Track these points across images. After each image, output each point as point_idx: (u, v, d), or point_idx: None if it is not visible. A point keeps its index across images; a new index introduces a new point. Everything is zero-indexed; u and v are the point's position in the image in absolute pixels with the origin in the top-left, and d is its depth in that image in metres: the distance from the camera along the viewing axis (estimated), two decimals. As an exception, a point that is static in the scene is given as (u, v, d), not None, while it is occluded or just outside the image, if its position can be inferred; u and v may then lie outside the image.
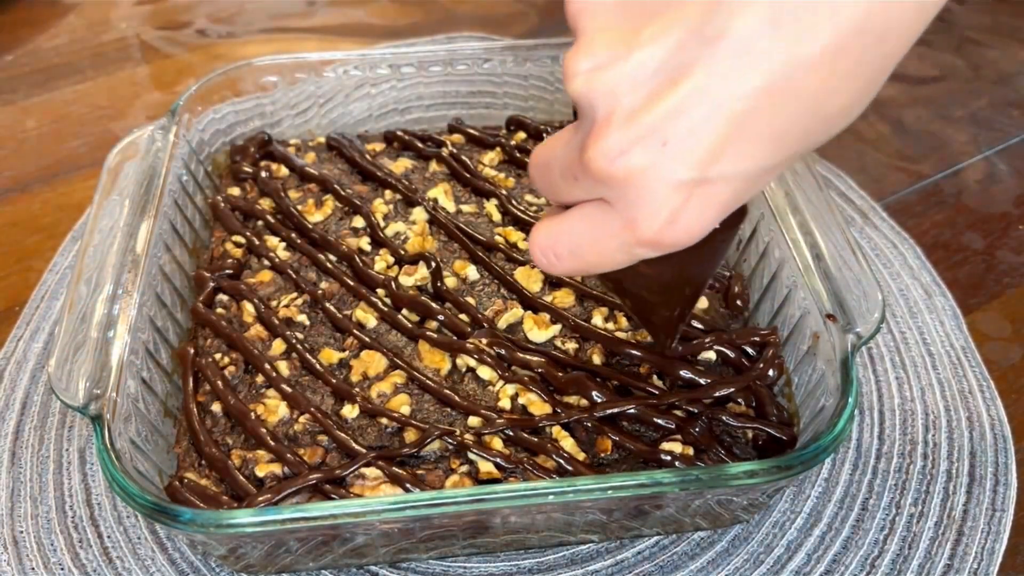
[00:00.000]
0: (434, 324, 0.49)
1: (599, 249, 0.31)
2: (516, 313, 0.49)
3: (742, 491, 0.40)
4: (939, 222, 0.65)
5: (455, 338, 0.48)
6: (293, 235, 0.54)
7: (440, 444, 0.43)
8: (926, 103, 0.78)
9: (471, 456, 0.42)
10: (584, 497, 0.37)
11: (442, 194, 0.57)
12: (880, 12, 0.26)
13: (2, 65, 0.81)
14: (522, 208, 0.56)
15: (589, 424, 0.43)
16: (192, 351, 0.47)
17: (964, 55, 0.84)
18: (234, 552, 0.40)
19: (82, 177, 0.68)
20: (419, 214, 0.56)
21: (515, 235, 0.54)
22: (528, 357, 0.46)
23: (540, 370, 0.46)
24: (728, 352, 0.47)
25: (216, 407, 0.45)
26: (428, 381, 0.46)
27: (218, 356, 0.48)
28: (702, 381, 0.45)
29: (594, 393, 0.44)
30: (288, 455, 0.42)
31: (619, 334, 0.48)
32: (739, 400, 0.45)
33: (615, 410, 0.44)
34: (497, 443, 0.43)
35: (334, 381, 0.46)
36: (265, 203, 0.57)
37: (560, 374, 0.45)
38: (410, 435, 0.43)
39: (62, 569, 0.44)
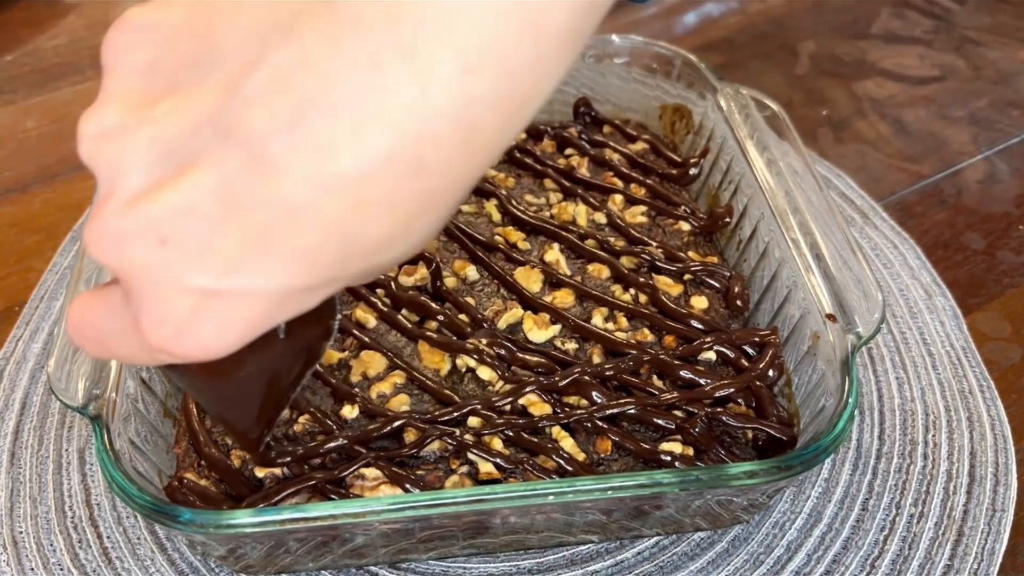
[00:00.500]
0: (434, 324, 0.49)
1: (121, 343, 0.26)
2: (516, 313, 0.49)
3: (742, 491, 0.40)
4: (939, 222, 0.65)
5: (455, 338, 0.48)
6: (293, 235, 0.54)
7: (440, 444, 0.43)
8: (926, 103, 0.78)
9: (471, 456, 0.42)
10: (584, 497, 0.36)
11: (442, 194, 0.57)
12: (414, 145, 0.22)
13: (2, 65, 0.81)
14: (522, 208, 0.56)
15: (589, 424, 0.43)
16: (192, 351, 0.47)
17: (964, 55, 0.84)
18: (233, 552, 0.40)
19: (82, 177, 0.68)
20: (419, 214, 0.56)
21: (515, 235, 0.54)
22: (528, 357, 0.46)
23: (540, 370, 0.46)
24: (728, 352, 0.47)
25: (216, 407, 0.45)
26: (428, 381, 0.46)
27: (218, 356, 0.48)
28: (702, 381, 0.45)
29: (594, 393, 0.44)
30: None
31: (619, 334, 0.48)
32: (739, 400, 0.45)
33: (615, 410, 0.44)
34: (497, 443, 0.43)
35: (333, 381, 0.46)
36: (265, 203, 0.57)
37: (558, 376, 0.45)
38: (410, 435, 0.43)
39: (61, 569, 0.44)
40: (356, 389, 0.46)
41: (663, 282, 0.51)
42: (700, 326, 0.48)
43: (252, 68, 0.22)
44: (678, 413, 0.44)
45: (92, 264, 0.45)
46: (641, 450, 0.42)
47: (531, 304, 0.50)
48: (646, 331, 0.49)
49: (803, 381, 0.45)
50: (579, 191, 0.57)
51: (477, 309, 0.50)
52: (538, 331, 0.48)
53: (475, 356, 0.46)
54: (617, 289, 0.51)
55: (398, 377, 0.46)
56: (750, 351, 0.47)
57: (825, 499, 0.47)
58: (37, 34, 0.86)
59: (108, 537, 0.45)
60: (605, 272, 0.52)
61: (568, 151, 0.62)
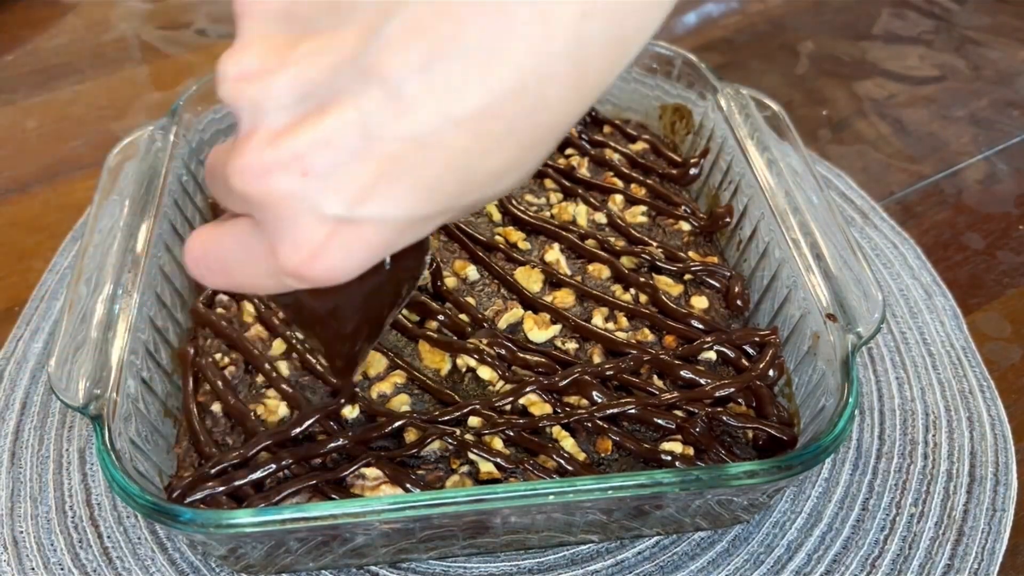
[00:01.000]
0: (434, 324, 0.49)
1: (248, 271, 0.29)
2: (516, 313, 0.49)
3: (742, 491, 0.40)
4: (939, 222, 0.65)
5: (455, 338, 0.48)
6: (293, 235, 0.54)
7: (440, 444, 0.43)
8: (926, 103, 0.78)
9: (471, 456, 0.42)
10: (584, 497, 0.37)
11: (442, 194, 0.57)
12: (535, 83, 0.24)
13: (2, 65, 0.81)
14: (522, 208, 0.56)
15: (589, 424, 0.43)
16: (192, 351, 0.47)
17: (964, 55, 0.84)
18: (234, 552, 0.40)
19: (82, 177, 0.68)
20: (419, 214, 0.56)
21: (515, 235, 0.54)
22: (528, 357, 0.46)
23: (540, 370, 0.46)
24: (728, 352, 0.47)
25: (216, 407, 0.45)
26: (428, 381, 0.46)
27: (218, 356, 0.48)
28: (702, 381, 0.45)
29: (594, 393, 0.44)
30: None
31: (619, 334, 0.48)
32: (739, 400, 0.45)
33: (615, 410, 0.44)
34: (497, 443, 0.43)
35: (334, 381, 0.46)
36: (265, 203, 0.57)
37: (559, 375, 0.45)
38: (411, 435, 0.43)
39: (62, 569, 0.44)
40: (356, 389, 0.46)
41: (663, 282, 0.51)
42: (700, 326, 0.48)
43: (389, 14, 0.24)
44: (678, 413, 0.44)
45: (92, 264, 0.45)
46: (641, 450, 0.42)
47: (531, 304, 0.50)
48: (646, 331, 0.49)
49: (803, 381, 0.45)
50: (579, 191, 0.57)
51: (477, 309, 0.50)
52: (538, 331, 0.48)
53: (475, 356, 0.46)
54: (617, 289, 0.51)
55: (398, 377, 0.46)
56: (750, 351, 0.48)
57: (825, 499, 0.47)
58: (37, 34, 0.86)
59: (109, 537, 0.45)
60: (605, 272, 0.52)
61: (568, 151, 0.62)
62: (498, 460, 0.42)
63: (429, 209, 0.27)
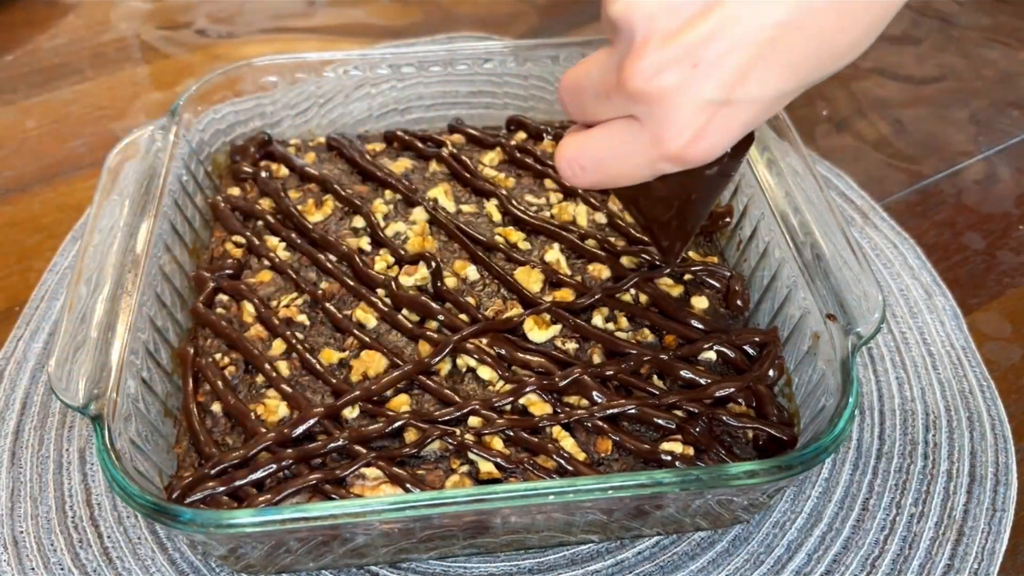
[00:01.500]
0: (434, 324, 0.49)
1: (623, 163, 0.34)
2: (516, 313, 0.49)
3: (742, 491, 0.40)
4: (939, 222, 0.65)
5: (455, 338, 0.48)
6: (293, 235, 0.54)
7: (440, 444, 0.43)
8: (926, 103, 0.78)
9: (471, 456, 0.42)
10: (584, 497, 0.37)
11: (442, 194, 0.57)
12: None
13: (2, 65, 0.81)
14: (522, 208, 0.56)
15: (589, 424, 0.43)
16: (192, 351, 0.47)
17: (964, 55, 0.84)
18: (234, 552, 0.40)
19: (82, 177, 0.68)
20: (419, 214, 0.56)
21: (515, 235, 0.54)
22: (528, 357, 0.46)
23: (540, 370, 0.46)
24: (728, 352, 0.47)
25: (216, 407, 0.45)
26: (428, 381, 0.46)
27: (218, 356, 0.48)
28: (702, 381, 0.45)
29: (594, 393, 0.44)
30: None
31: (619, 334, 0.48)
32: (739, 400, 0.45)
33: (615, 410, 0.44)
34: (497, 443, 0.43)
35: (334, 381, 0.46)
36: (265, 203, 0.57)
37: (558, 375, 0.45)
38: (410, 435, 0.43)
39: (62, 569, 0.44)
40: (357, 389, 0.46)
41: (663, 282, 0.51)
42: (700, 326, 0.48)
43: None
44: (678, 413, 0.44)
45: (92, 264, 0.45)
46: (641, 450, 0.42)
47: (531, 304, 0.50)
48: (646, 331, 0.49)
49: (803, 381, 0.45)
50: (579, 191, 0.57)
51: (477, 309, 0.50)
52: (538, 331, 0.48)
53: (475, 356, 0.46)
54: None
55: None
56: (750, 351, 0.48)
57: (825, 499, 0.47)
58: (37, 34, 0.86)
59: (109, 537, 0.45)
60: (605, 272, 0.52)
61: (568, 151, 0.61)
62: (498, 460, 0.42)
63: (793, 85, 0.31)
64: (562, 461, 0.42)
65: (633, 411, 0.44)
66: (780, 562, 0.44)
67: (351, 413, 0.44)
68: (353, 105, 0.63)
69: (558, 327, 0.48)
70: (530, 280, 0.51)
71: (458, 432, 0.43)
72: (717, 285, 0.52)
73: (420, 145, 0.61)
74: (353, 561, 0.43)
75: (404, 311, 0.50)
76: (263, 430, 0.43)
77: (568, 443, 0.43)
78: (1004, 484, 0.47)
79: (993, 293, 0.59)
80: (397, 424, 0.43)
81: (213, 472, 0.41)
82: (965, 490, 0.47)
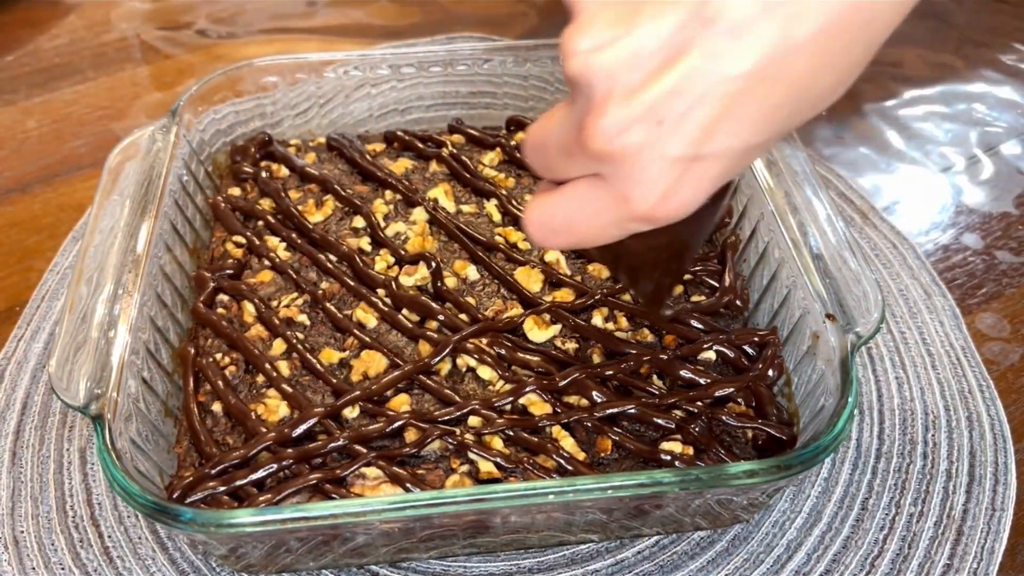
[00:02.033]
0: (434, 324, 0.49)
1: (593, 223, 0.32)
2: (516, 313, 0.49)
3: (742, 491, 0.40)
4: (939, 222, 0.65)
5: (455, 338, 0.48)
6: (293, 235, 0.54)
7: (440, 444, 0.43)
8: (926, 103, 0.78)
9: (471, 456, 0.42)
10: (584, 497, 0.37)
11: (442, 194, 0.57)
12: (868, 1, 0.27)
13: (2, 65, 0.81)
14: (522, 208, 0.56)
15: (589, 424, 0.44)
16: (193, 351, 0.47)
17: (964, 55, 0.84)
18: (235, 552, 0.40)
19: (82, 177, 0.68)
20: (419, 214, 0.56)
21: (515, 235, 0.54)
22: (528, 357, 0.46)
23: (540, 370, 0.46)
24: (728, 352, 0.47)
25: (216, 407, 0.45)
26: (428, 381, 0.46)
27: (219, 356, 0.48)
28: (702, 381, 0.45)
29: (594, 393, 0.44)
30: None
31: (619, 334, 0.48)
32: (739, 400, 0.45)
33: (615, 410, 0.44)
34: (497, 443, 0.43)
35: (334, 381, 0.46)
36: (265, 203, 0.57)
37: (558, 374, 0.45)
38: (410, 435, 0.43)
39: (63, 569, 0.44)
40: (357, 389, 0.46)
41: (663, 282, 0.51)
42: (700, 326, 0.48)
43: None
44: (678, 413, 0.44)
45: (93, 264, 0.45)
46: (641, 449, 0.42)
47: (531, 304, 0.50)
48: (646, 331, 0.49)
49: (803, 381, 0.45)
50: (579, 191, 0.57)
51: (477, 309, 0.50)
52: (538, 331, 0.48)
53: (475, 356, 0.46)
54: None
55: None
56: (750, 351, 0.48)
57: (825, 498, 0.47)
58: (37, 34, 0.86)
59: (109, 536, 0.45)
60: (605, 272, 0.52)
61: (568, 151, 0.62)
62: (498, 460, 0.42)
63: (767, 135, 0.29)
64: (562, 461, 0.42)
65: (633, 411, 0.44)
66: (780, 561, 0.44)
67: (351, 413, 0.45)
68: (353, 105, 0.63)
69: (558, 327, 0.48)
70: (530, 280, 0.51)
71: (458, 432, 0.43)
72: (717, 285, 0.52)
73: (420, 145, 0.61)
74: (353, 561, 0.43)
75: (404, 311, 0.50)
76: (263, 430, 0.43)
77: (568, 443, 0.43)
78: (1003, 484, 0.48)
79: (993, 293, 0.59)
80: (397, 424, 0.43)
81: (214, 472, 0.41)
82: (964, 490, 0.47)
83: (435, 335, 0.48)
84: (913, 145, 0.73)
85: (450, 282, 0.51)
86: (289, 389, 0.45)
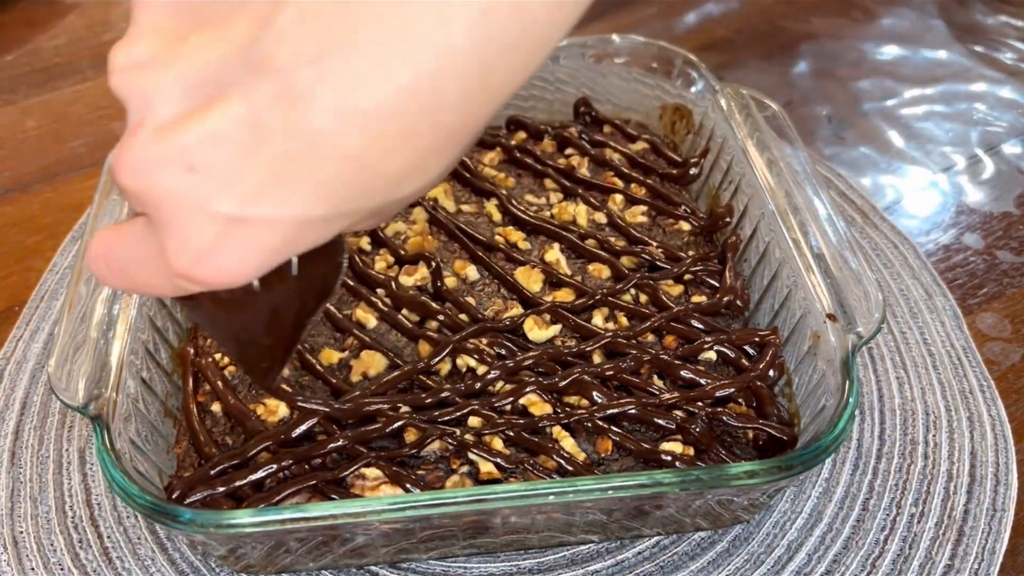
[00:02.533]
0: (434, 324, 0.49)
1: (144, 272, 0.28)
2: (516, 313, 0.49)
3: (742, 491, 0.40)
4: (939, 222, 0.65)
5: (455, 338, 0.48)
6: (293, 235, 0.54)
7: (440, 444, 0.43)
8: (926, 103, 0.78)
9: (471, 456, 0.42)
10: (584, 497, 0.36)
11: (442, 194, 0.57)
12: (435, 83, 0.23)
13: (2, 65, 0.81)
14: (522, 208, 0.56)
15: (589, 424, 0.43)
16: (192, 351, 0.47)
17: (964, 55, 0.84)
18: (234, 552, 0.40)
19: (82, 177, 0.68)
20: (419, 214, 0.56)
21: (515, 235, 0.54)
22: (528, 357, 0.46)
23: (540, 370, 0.46)
24: (729, 352, 0.47)
25: (216, 407, 0.45)
26: (428, 381, 0.46)
27: (218, 356, 0.48)
28: (703, 381, 0.45)
29: (594, 393, 0.44)
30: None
31: (619, 334, 0.48)
32: (739, 400, 0.45)
33: (615, 410, 0.44)
34: (497, 443, 0.43)
35: (334, 381, 0.46)
36: (265, 203, 0.57)
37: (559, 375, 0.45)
38: (410, 435, 0.43)
39: (62, 569, 0.44)
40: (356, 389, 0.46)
41: (663, 282, 0.51)
42: (700, 326, 0.48)
43: (282, 5, 0.23)
44: (678, 413, 0.44)
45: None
46: (641, 450, 0.42)
47: (531, 304, 0.50)
48: (647, 332, 0.49)
49: (803, 381, 0.45)
50: (579, 191, 0.57)
51: (477, 309, 0.50)
52: (538, 331, 0.48)
53: (475, 356, 0.46)
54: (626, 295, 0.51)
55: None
56: (750, 351, 0.47)
57: (826, 499, 0.47)
58: (37, 34, 0.86)
59: (109, 537, 0.45)
60: (605, 272, 0.52)
61: (568, 151, 0.62)
62: (498, 460, 0.42)
63: (326, 210, 0.25)
64: (562, 461, 0.42)
65: (633, 411, 0.44)
66: (780, 562, 0.44)
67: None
68: (353, 105, 0.63)
69: (558, 327, 0.48)
70: (530, 280, 0.51)
71: (458, 432, 0.43)
72: (717, 285, 0.52)
73: (420, 145, 0.61)
74: (353, 561, 0.43)
75: (404, 311, 0.50)
76: (263, 430, 0.43)
77: (568, 443, 0.43)
78: (1004, 484, 0.47)
79: (993, 293, 0.59)
80: (397, 424, 0.43)
81: (213, 472, 0.41)
82: (965, 490, 0.47)
83: (435, 335, 0.48)
84: (914, 145, 0.73)
85: (450, 282, 0.51)
86: (288, 389, 0.45)
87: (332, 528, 0.37)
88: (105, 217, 0.48)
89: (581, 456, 0.42)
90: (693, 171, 0.59)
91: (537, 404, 0.44)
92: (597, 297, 0.50)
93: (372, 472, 0.41)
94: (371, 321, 0.49)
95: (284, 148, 0.23)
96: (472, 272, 0.52)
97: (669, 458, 0.42)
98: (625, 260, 0.52)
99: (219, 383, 0.46)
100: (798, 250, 0.47)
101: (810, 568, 0.44)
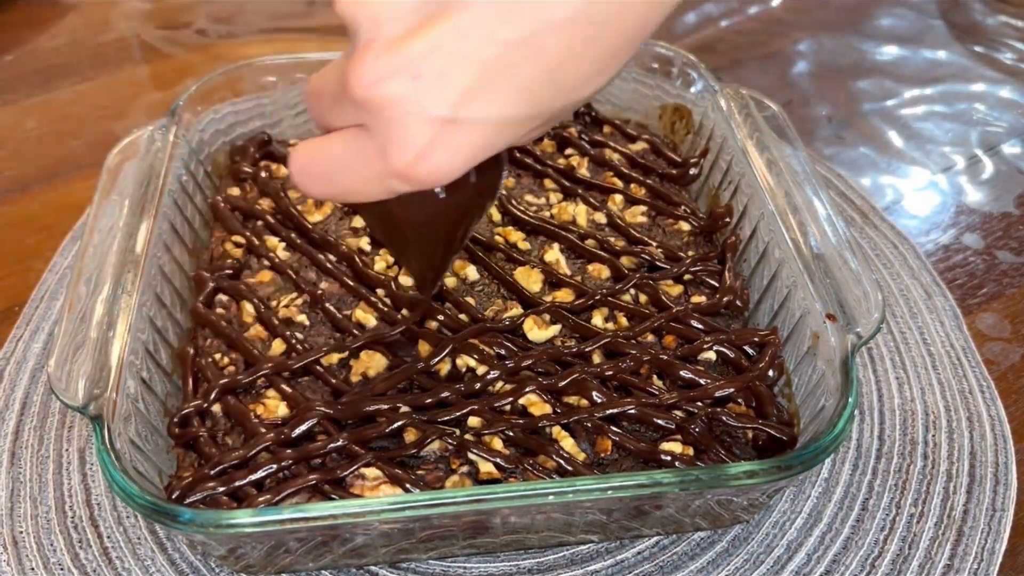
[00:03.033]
0: (434, 324, 0.49)
1: (354, 176, 0.31)
2: (516, 313, 0.49)
3: (742, 491, 0.40)
4: (939, 222, 0.65)
5: (455, 338, 0.48)
6: (293, 235, 0.54)
7: (440, 444, 0.43)
8: (926, 103, 0.78)
9: (471, 456, 0.42)
10: (584, 497, 0.37)
11: (442, 194, 0.57)
12: None
13: (2, 65, 0.81)
14: (522, 208, 0.56)
15: (589, 424, 0.43)
16: (192, 351, 0.47)
17: (964, 55, 0.84)
18: (234, 552, 0.40)
19: (82, 177, 0.68)
20: (419, 214, 0.56)
21: (515, 235, 0.54)
22: (528, 357, 0.46)
23: (540, 369, 0.46)
24: (728, 352, 0.47)
25: (216, 407, 0.45)
26: (428, 381, 0.46)
27: (218, 356, 0.48)
28: (702, 381, 0.45)
29: (594, 393, 0.44)
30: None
31: (619, 334, 0.48)
32: (739, 400, 0.45)
33: (615, 410, 0.44)
34: (497, 443, 0.43)
35: (334, 381, 0.46)
36: (265, 203, 0.57)
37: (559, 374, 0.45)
38: (410, 435, 0.43)
39: (62, 569, 0.44)
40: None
41: (663, 282, 0.51)
42: (700, 326, 0.48)
43: None
44: (678, 413, 0.44)
45: (92, 264, 0.45)
46: (641, 450, 0.42)
47: (531, 304, 0.50)
48: (647, 331, 0.49)
49: (803, 381, 0.45)
50: (579, 191, 0.57)
51: (477, 309, 0.50)
52: (538, 331, 0.48)
53: (475, 356, 0.46)
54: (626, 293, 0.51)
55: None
56: (750, 351, 0.47)
57: (825, 499, 0.47)
58: (37, 34, 0.86)
59: (108, 537, 0.45)
60: (605, 272, 0.52)
61: (568, 151, 0.62)
62: (498, 460, 0.42)
63: (525, 111, 0.29)
64: (562, 461, 0.42)
65: (633, 411, 0.44)
66: (780, 562, 0.44)
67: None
68: (353, 105, 0.63)
69: (558, 327, 0.48)
70: (530, 280, 0.51)
71: (458, 432, 0.43)
72: (717, 285, 0.52)
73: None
74: (353, 561, 0.43)
75: (404, 311, 0.50)
76: (263, 430, 0.43)
77: (568, 443, 0.43)
78: (1003, 484, 0.47)
79: (993, 293, 0.59)
80: (397, 424, 0.43)
81: (213, 472, 0.41)
82: (965, 490, 0.47)
83: (435, 335, 0.48)
84: (913, 145, 0.73)
85: (450, 282, 0.51)
86: (289, 389, 0.45)
87: (332, 528, 0.37)
88: (104, 217, 0.48)
89: (581, 456, 0.42)
90: (693, 171, 0.59)
91: (537, 404, 0.44)
92: (597, 297, 0.50)
93: (372, 472, 0.41)
94: (371, 321, 0.49)
95: (496, 54, 0.28)
96: (472, 272, 0.52)
97: (669, 458, 0.42)
98: (625, 260, 0.52)
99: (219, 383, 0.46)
100: (797, 250, 0.47)
101: (809, 568, 0.44)
